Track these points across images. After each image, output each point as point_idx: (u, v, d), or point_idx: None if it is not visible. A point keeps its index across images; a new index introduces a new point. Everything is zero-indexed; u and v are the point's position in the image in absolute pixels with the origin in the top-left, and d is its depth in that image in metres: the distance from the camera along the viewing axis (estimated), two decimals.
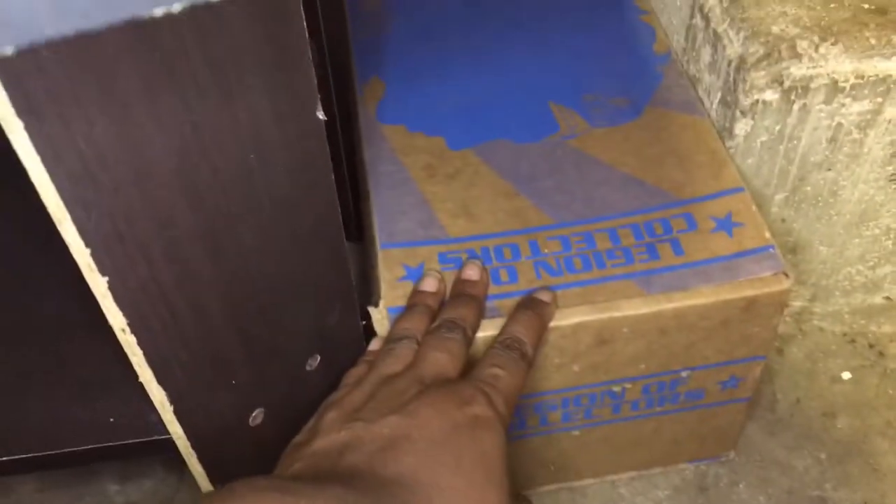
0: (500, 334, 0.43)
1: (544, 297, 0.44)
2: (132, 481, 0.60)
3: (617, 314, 0.43)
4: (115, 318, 0.31)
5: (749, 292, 0.44)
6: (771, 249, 0.45)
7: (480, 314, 0.44)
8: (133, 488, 0.60)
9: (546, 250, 0.46)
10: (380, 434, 0.36)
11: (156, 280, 0.31)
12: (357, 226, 0.58)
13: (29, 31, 0.14)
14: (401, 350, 0.41)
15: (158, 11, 0.14)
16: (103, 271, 0.29)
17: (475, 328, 0.43)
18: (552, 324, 0.43)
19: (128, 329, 0.31)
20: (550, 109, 0.54)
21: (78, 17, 0.14)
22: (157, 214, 0.29)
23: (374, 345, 0.45)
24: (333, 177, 0.36)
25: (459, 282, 0.45)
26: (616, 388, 0.48)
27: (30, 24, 0.14)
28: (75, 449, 0.42)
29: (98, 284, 0.29)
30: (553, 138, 0.52)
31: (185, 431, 0.38)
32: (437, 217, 0.48)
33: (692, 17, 0.53)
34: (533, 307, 0.43)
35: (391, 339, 0.42)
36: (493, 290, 0.45)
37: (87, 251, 0.28)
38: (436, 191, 0.50)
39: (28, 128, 0.25)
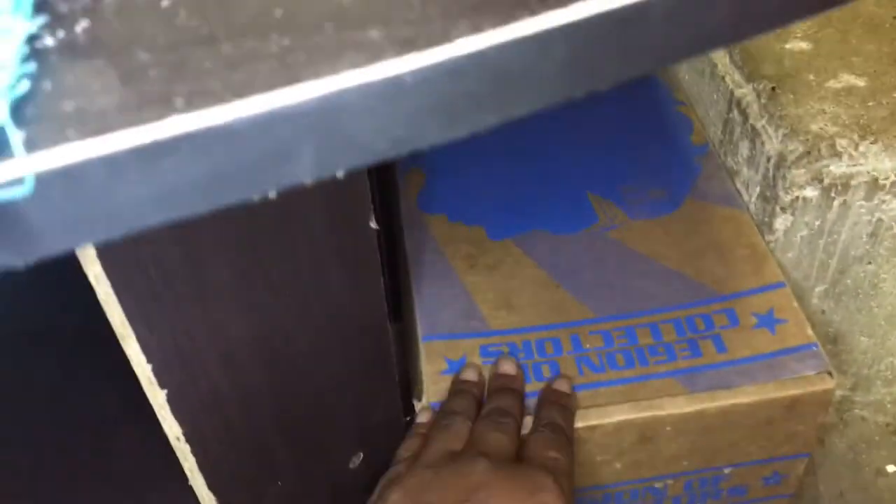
0: (536, 421, 0.42)
1: (563, 387, 0.44)
2: None
3: (660, 413, 0.43)
4: (172, 427, 0.31)
5: (793, 391, 0.44)
6: (814, 347, 0.45)
7: (524, 408, 0.44)
8: None
9: (588, 345, 0.46)
10: None
11: (212, 390, 0.31)
12: (394, 307, 0.59)
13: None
14: (458, 426, 0.41)
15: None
16: (162, 385, 0.30)
17: (521, 421, 0.43)
18: (595, 422, 0.43)
19: (182, 438, 0.32)
20: (589, 200, 0.54)
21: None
22: (215, 328, 0.30)
23: (423, 417, 0.44)
24: (382, 280, 0.37)
25: (498, 376, 0.45)
26: (658, 485, 0.47)
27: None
28: None
29: (156, 396, 0.30)
30: (592, 230, 0.52)
31: None
32: (479, 308, 0.49)
33: (729, 111, 0.54)
34: (557, 399, 0.43)
35: (446, 415, 0.42)
36: (536, 386, 0.45)
37: (149, 366, 0.29)
38: (476, 281, 0.50)
39: (100, 254, 0.25)
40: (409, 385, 0.49)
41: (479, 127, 0.16)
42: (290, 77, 0.15)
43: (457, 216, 0.54)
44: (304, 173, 0.15)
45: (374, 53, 0.15)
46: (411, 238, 0.53)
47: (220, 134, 0.14)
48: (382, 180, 0.57)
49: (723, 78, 0.55)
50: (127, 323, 0.28)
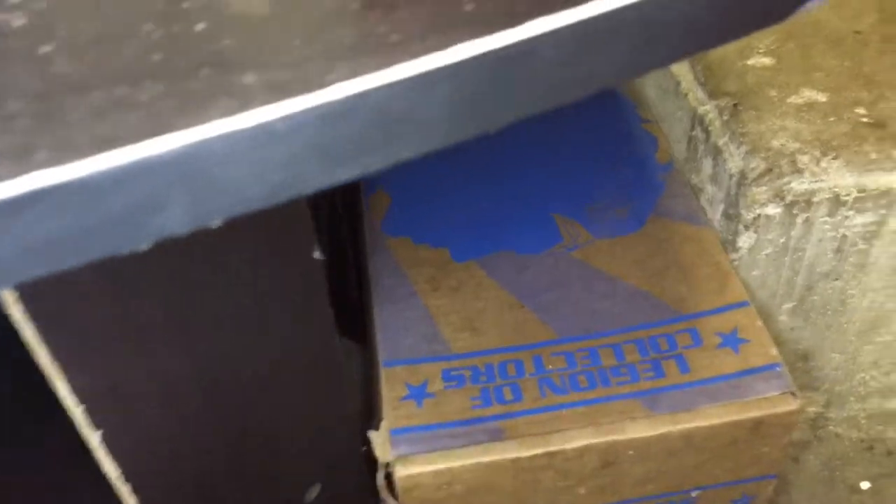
0: None
1: None
2: None
3: (622, 437, 0.43)
4: (110, 468, 0.31)
5: (756, 413, 0.43)
6: (778, 368, 0.44)
7: None
8: None
9: (550, 366, 0.46)
10: None
11: (150, 428, 0.31)
12: (364, 333, 0.58)
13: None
14: None
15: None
16: (97, 425, 0.29)
17: None
18: (555, 447, 0.42)
19: (122, 478, 0.31)
20: (554, 220, 0.54)
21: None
22: (152, 367, 0.29)
23: None
24: (331, 310, 0.36)
25: None
26: None
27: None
28: None
29: (91, 438, 0.29)
30: (556, 250, 0.52)
31: None
32: (441, 332, 0.48)
33: (693, 128, 0.54)
34: None
35: None
36: (497, 409, 0.44)
37: (81, 407, 0.28)
38: (440, 304, 0.50)
39: (21, 296, 0.25)
40: (372, 412, 0.48)
41: (366, 169, 0.16)
42: (157, 127, 0.14)
43: (422, 238, 0.54)
44: (176, 225, 0.14)
45: (245, 100, 0.14)
46: (374, 262, 0.52)
47: (80, 188, 0.14)
48: (349, 204, 0.57)
49: (686, 95, 0.55)
50: (55, 365, 0.27)
